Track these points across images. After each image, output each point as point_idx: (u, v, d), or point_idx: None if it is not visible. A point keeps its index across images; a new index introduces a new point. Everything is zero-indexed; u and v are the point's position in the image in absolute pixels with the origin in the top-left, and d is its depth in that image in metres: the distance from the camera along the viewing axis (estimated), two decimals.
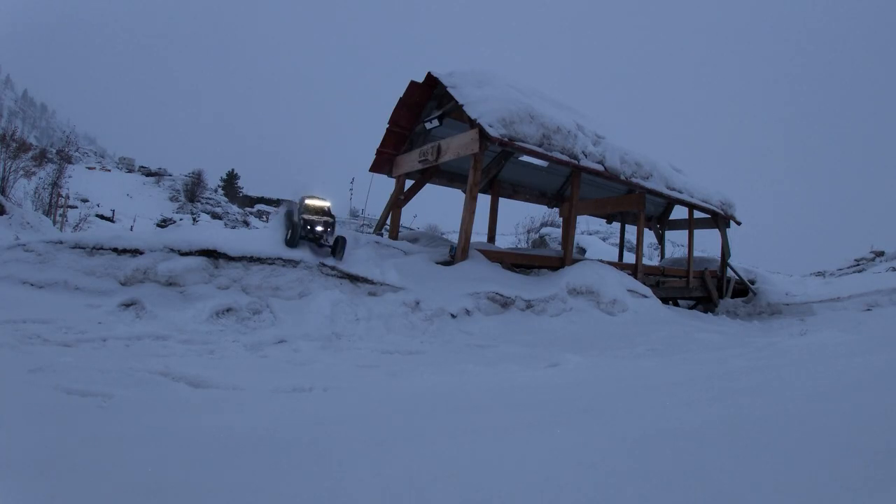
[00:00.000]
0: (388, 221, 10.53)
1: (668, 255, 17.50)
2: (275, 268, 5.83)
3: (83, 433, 1.99)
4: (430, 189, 10.97)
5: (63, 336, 3.97)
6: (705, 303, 12.66)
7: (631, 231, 14.72)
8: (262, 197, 55.65)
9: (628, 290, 8.15)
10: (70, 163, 25.32)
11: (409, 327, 5.71)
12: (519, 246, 23.76)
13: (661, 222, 14.61)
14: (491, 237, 12.22)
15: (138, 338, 4.16)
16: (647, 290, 8.72)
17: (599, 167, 8.86)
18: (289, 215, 6.53)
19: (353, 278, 6.14)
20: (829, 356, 3.54)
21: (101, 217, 29.17)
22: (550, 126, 8.14)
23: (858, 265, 22.03)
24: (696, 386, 3.01)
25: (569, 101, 10.65)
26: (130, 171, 51.23)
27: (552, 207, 14.83)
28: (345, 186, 14.58)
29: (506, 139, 7.45)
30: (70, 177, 21.69)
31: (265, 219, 45.56)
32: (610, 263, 9.62)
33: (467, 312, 6.33)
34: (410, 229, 19.73)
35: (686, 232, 12.90)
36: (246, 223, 39.99)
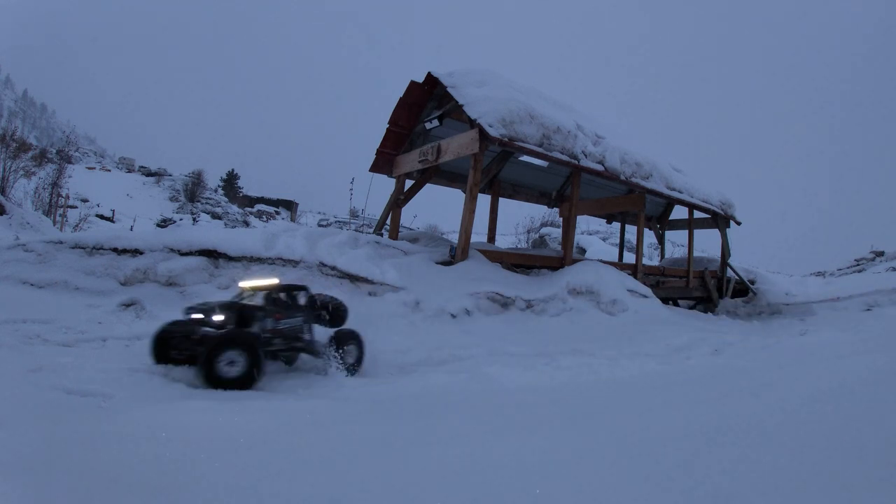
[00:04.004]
0: (388, 221, 10.52)
1: (668, 255, 17.49)
2: (275, 267, 5.83)
3: (83, 433, 1.99)
4: (430, 189, 10.96)
5: (63, 336, 3.97)
6: (705, 303, 12.65)
7: (631, 231, 14.72)
8: (262, 197, 55.59)
9: (628, 290, 8.14)
10: (70, 163, 25.32)
11: (409, 327, 5.70)
12: (519, 246, 23.76)
13: (661, 222, 14.60)
14: (491, 237, 12.21)
15: (138, 338, 4.15)
16: (648, 290, 8.72)
17: (599, 167, 8.85)
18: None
19: (353, 278, 6.14)
20: (829, 356, 3.54)
21: (101, 217, 29.12)
22: (550, 126, 8.13)
23: (858, 265, 22.03)
24: (698, 386, 3.01)
25: (569, 100, 10.65)
26: (130, 171, 51.18)
27: (552, 207, 14.82)
28: (345, 186, 14.58)
29: (506, 139, 7.44)
30: (70, 177, 21.68)
31: (265, 219, 45.54)
32: (610, 263, 9.62)
33: (467, 312, 6.33)
34: (410, 229, 19.72)
35: (686, 232, 12.90)
36: (246, 223, 39.98)
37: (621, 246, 16.08)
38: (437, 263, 7.56)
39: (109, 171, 47.67)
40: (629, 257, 14.42)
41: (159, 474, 1.63)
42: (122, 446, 1.86)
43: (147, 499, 1.47)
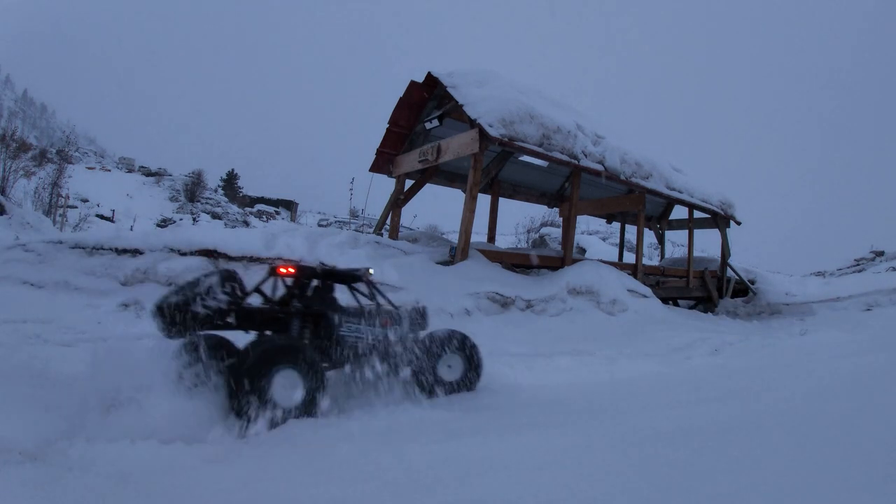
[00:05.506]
0: (388, 221, 10.52)
1: (668, 255, 17.48)
2: None
3: (84, 433, 2.00)
4: (430, 189, 10.95)
5: (63, 336, 3.97)
6: (705, 303, 12.64)
7: (631, 231, 14.69)
8: (262, 197, 55.56)
9: (628, 290, 8.14)
10: (70, 163, 25.33)
11: None
12: (519, 246, 23.75)
13: (661, 222, 14.58)
14: (491, 237, 12.20)
15: (138, 338, 4.15)
16: (647, 290, 8.71)
17: (599, 167, 8.85)
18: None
19: None
20: (828, 356, 3.54)
21: (101, 217, 29.10)
22: (550, 126, 8.13)
23: (858, 265, 22.00)
24: (697, 386, 3.01)
25: (569, 101, 10.65)
26: (130, 171, 51.10)
27: (552, 207, 14.81)
28: (345, 186, 14.58)
29: (506, 139, 7.44)
30: (70, 177, 21.67)
31: (265, 219, 45.52)
32: (610, 263, 9.61)
33: (467, 312, 6.32)
34: (410, 229, 19.70)
35: (686, 232, 12.89)
36: (246, 223, 39.98)
37: (621, 246, 16.07)
38: (437, 263, 7.56)
39: (109, 171, 47.62)
40: (629, 257, 14.41)
41: (162, 474, 1.63)
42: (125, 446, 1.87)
43: (149, 499, 1.47)
